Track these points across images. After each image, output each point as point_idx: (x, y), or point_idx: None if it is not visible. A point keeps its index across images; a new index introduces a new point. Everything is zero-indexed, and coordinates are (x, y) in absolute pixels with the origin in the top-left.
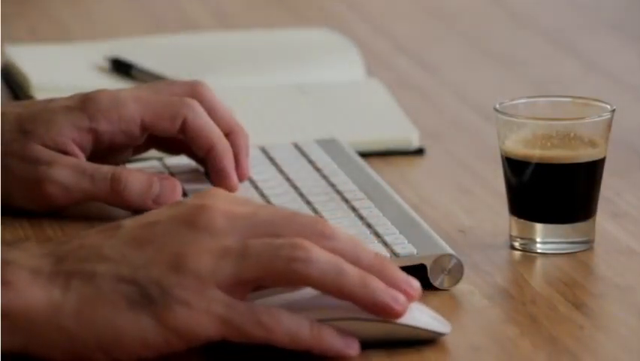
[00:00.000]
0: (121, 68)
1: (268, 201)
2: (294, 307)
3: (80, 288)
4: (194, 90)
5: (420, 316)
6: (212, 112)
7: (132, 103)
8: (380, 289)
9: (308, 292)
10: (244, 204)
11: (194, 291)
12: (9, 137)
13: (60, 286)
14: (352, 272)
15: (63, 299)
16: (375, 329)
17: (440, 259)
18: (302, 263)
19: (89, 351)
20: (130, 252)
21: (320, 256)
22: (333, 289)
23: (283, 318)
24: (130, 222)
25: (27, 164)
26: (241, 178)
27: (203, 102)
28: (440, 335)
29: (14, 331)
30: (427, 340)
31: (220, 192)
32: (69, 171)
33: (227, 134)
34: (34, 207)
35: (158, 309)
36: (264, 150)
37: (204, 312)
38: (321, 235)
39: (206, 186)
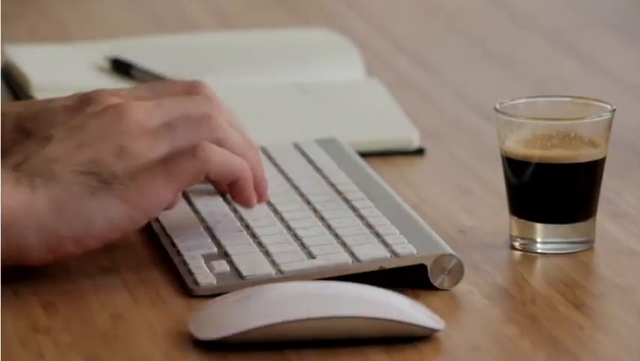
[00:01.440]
0: (121, 68)
1: (268, 202)
2: (300, 300)
3: (46, 186)
4: (194, 90)
5: (414, 313)
6: None
7: None
8: (263, 177)
9: (312, 286)
10: (142, 97)
11: (140, 168)
12: (9, 136)
13: (27, 186)
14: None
15: (34, 197)
16: (371, 326)
17: (440, 259)
18: (222, 130)
19: (61, 243)
20: (74, 152)
21: (227, 126)
22: (241, 152)
23: (215, 150)
24: (57, 131)
25: None
26: None
27: None
28: (434, 331)
29: None
30: (422, 336)
31: (106, 91)
32: None
33: None
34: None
35: (115, 190)
36: (264, 150)
37: (152, 181)
38: (219, 111)
39: (207, 187)
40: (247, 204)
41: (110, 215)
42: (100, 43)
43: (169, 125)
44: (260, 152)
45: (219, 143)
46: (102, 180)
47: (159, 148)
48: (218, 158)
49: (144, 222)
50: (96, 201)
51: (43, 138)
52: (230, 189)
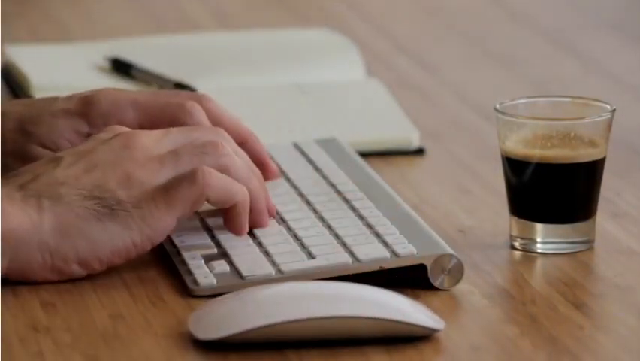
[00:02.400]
0: (121, 68)
1: None
2: (300, 300)
3: (52, 207)
4: (197, 100)
5: (414, 313)
6: (219, 125)
7: (131, 108)
8: (266, 204)
9: (312, 286)
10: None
11: (144, 195)
12: (9, 137)
13: (33, 207)
14: (256, 178)
15: (40, 218)
16: (371, 326)
17: (440, 259)
18: (227, 157)
19: (66, 265)
20: (81, 175)
21: (232, 153)
22: (245, 179)
23: (215, 175)
24: (67, 154)
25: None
26: (271, 177)
27: (208, 115)
28: (434, 331)
29: (4, 252)
30: (422, 336)
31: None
32: None
33: (241, 144)
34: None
35: (119, 217)
36: None
37: (154, 208)
38: (224, 139)
39: None
40: (239, 231)
41: (114, 240)
42: (100, 43)
43: (175, 152)
44: (263, 179)
45: (223, 170)
46: (106, 205)
47: (164, 175)
48: (218, 182)
49: (148, 247)
50: (101, 226)
51: (52, 160)
52: (225, 214)
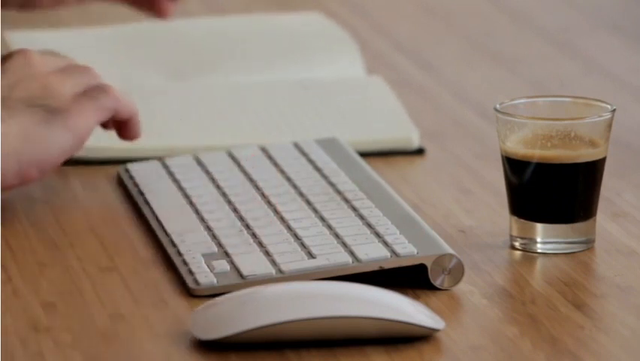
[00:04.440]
0: None
1: (268, 202)
2: (300, 300)
3: (10, 117)
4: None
5: (414, 313)
6: None
7: None
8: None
9: (312, 286)
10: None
11: (70, 101)
12: None
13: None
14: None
15: (7, 127)
16: (371, 326)
17: (440, 259)
18: (102, 78)
19: (28, 168)
20: (12, 90)
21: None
22: (126, 105)
23: (119, 92)
24: None
25: None
26: None
27: None
28: (434, 330)
29: None
30: (422, 336)
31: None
32: None
33: None
34: (27, 9)
35: (60, 119)
36: (264, 150)
37: (83, 111)
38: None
39: (207, 189)
40: (136, 137)
41: (60, 141)
42: (96, 29)
43: (64, 69)
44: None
45: (105, 85)
46: (48, 110)
47: (75, 85)
48: (123, 97)
49: (80, 148)
50: (50, 128)
51: None
52: (123, 126)
